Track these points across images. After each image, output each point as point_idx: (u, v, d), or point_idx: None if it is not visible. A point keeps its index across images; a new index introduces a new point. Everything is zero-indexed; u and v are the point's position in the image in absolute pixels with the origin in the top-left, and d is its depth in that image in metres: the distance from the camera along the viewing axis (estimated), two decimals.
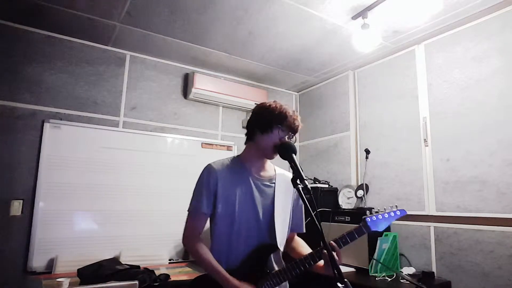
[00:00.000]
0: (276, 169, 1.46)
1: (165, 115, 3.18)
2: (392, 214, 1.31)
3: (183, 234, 1.33)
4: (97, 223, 2.67)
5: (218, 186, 1.30)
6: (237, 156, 1.44)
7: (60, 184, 2.57)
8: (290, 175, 1.41)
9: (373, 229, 1.27)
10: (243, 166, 1.38)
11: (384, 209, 1.34)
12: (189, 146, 3.21)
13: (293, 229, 1.45)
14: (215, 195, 1.30)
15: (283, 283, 1.31)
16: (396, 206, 1.36)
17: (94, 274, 2.07)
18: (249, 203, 1.32)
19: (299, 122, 1.36)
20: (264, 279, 1.26)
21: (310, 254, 1.26)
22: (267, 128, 1.32)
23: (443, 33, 2.57)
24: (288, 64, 3.28)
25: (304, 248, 1.46)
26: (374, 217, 1.29)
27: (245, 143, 1.45)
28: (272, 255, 1.32)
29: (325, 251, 1.19)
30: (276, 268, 1.32)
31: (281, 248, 1.32)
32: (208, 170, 1.34)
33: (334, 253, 1.16)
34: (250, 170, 1.38)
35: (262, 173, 1.40)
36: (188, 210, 1.33)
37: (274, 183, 1.39)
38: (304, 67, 3.35)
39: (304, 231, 1.48)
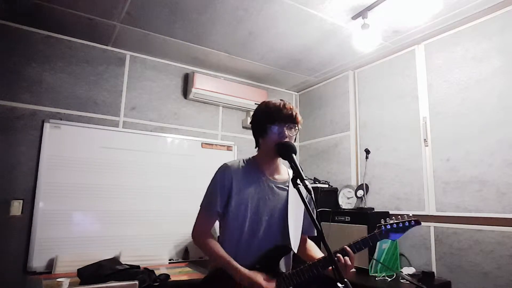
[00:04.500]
0: (289, 172, 1.46)
1: (165, 115, 3.18)
2: (407, 224, 1.31)
3: (194, 229, 1.34)
4: (97, 223, 2.67)
5: (233, 185, 1.31)
6: (253, 157, 1.43)
7: (60, 184, 2.57)
8: None
9: (390, 238, 1.30)
10: (257, 168, 1.38)
11: (399, 217, 1.34)
12: (189, 146, 3.21)
13: (305, 232, 1.44)
14: (229, 193, 1.30)
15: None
16: (412, 215, 1.36)
17: (94, 274, 2.07)
18: (262, 204, 1.32)
19: (288, 109, 1.31)
20: (278, 280, 1.26)
21: (323, 258, 1.27)
22: (263, 132, 1.33)
23: (443, 33, 2.57)
24: (288, 64, 3.28)
25: (315, 251, 1.47)
26: (388, 225, 1.30)
27: (257, 151, 1.44)
28: (284, 258, 1.32)
29: (343, 256, 1.22)
30: (284, 270, 1.32)
31: (295, 250, 1.32)
32: (223, 169, 1.35)
33: (348, 258, 1.22)
34: (264, 172, 1.38)
35: (276, 176, 1.40)
36: (200, 206, 1.35)
37: (288, 186, 1.39)
38: (304, 67, 3.35)
39: (315, 234, 1.46)
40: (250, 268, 1.25)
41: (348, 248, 1.25)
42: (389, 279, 2.29)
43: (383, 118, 2.99)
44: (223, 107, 3.53)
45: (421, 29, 2.57)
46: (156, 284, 2.13)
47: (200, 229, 1.33)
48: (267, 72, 3.48)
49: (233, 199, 1.30)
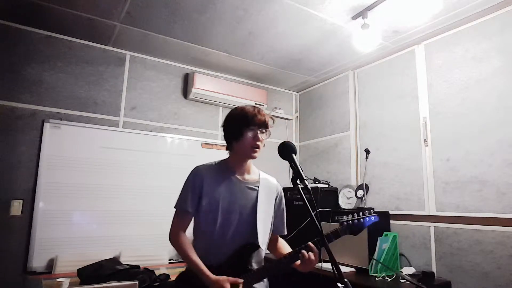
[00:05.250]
0: (261, 174, 1.52)
1: (165, 115, 3.18)
2: (367, 219, 1.40)
3: (169, 230, 1.41)
4: (97, 223, 2.67)
5: (204, 186, 1.37)
6: (224, 159, 1.49)
7: (60, 184, 2.57)
8: (273, 180, 1.53)
9: (349, 232, 1.37)
10: (229, 169, 1.44)
11: (361, 213, 1.41)
12: (189, 146, 3.21)
13: (275, 232, 1.51)
14: (200, 194, 1.37)
15: (264, 280, 1.39)
16: (372, 211, 1.43)
17: (94, 274, 2.08)
18: (233, 204, 1.38)
19: (262, 115, 1.40)
20: (245, 276, 1.31)
21: (288, 254, 1.35)
22: (238, 135, 1.38)
23: (443, 33, 2.57)
24: (288, 64, 3.28)
25: (285, 249, 1.54)
26: (350, 221, 1.38)
27: (228, 153, 1.51)
28: (253, 254, 1.37)
29: (307, 252, 1.27)
30: (255, 267, 1.36)
31: (263, 247, 1.38)
32: (194, 172, 1.42)
33: (312, 254, 1.26)
34: (235, 173, 1.44)
35: (246, 176, 1.46)
36: (174, 207, 1.42)
37: (258, 186, 1.45)
38: (304, 67, 3.35)
39: (286, 233, 1.56)
40: (221, 265, 1.30)
41: (311, 244, 1.29)
42: (389, 279, 2.28)
43: (383, 118, 2.99)
44: (223, 107, 3.53)
45: (421, 29, 2.57)
46: (156, 284, 2.13)
47: (175, 230, 1.39)
48: (267, 72, 3.48)
49: (204, 199, 1.36)
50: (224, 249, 1.34)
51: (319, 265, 2.13)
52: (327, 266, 1.22)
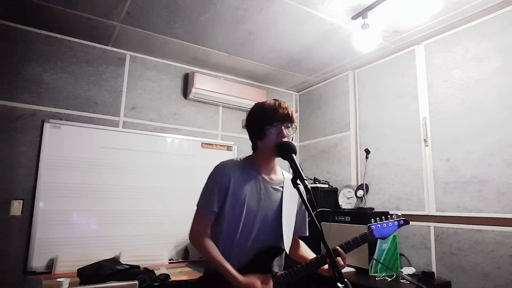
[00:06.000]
0: (284, 173, 1.46)
1: (165, 115, 3.18)
2: (396, 223, 1.35)
3: (191, 230, 1.32)
4: (97, 223, 2.67)
5: (230, 185, 1.29)
6: (249, 156, 1.42)
7: (60, 184, 2.57)
8: None
9: (378, 236, 1.32)
10: (254, 168, 1.37)
11: (389, 217, 1.37)
12: (189, 146, 3.21)
13: (297, 233, 1.44)
14: (226, 193, 1.29)
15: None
16: (400, 215, 1.40)
17: (94, 274, 2.07)
18: (258, 205, 1.32)
19: (284, 108, 1.31)
20: (273, 280, 1.27)
21: (315, 259, 1.30)
22: (262, 134, 1.31)
23: (443, 33, 2.57)
24: (288, 64, 3.28)
25: (306, 251, 1.48)
26: (379, 224, 1.33)
27: (253, 152, 1.44)
28: (276, 258, 1.33)
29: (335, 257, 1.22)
30: (277, 271, 1.32)
31: (287, 250, 1.33)
32: (221, 168, 1.33)
33: (339, 258, 1.22)
34: (261, 173, 1.37)
35: (272, 176, 1.39)
36: (197, 205, 1.33)
37: (283, 187, 1.39)
38: (304, 67, 3.35)
39: (307, 234, 1.49)
40: (243, 267, 1.25)
41: (339, 249, 1.26)
42: (389, 279, 2.28)
43: (383, 118, 2.99)
44: (223, 107, 3.53)
45: (421, 29, 2.57)
46: (156, 284, 2.13)
47: (198, 229, 1.31)
48: (267, 72, 3.48)
49: (229, 198, 1.28)
50: (245, 252, 1.28)
51: None
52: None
